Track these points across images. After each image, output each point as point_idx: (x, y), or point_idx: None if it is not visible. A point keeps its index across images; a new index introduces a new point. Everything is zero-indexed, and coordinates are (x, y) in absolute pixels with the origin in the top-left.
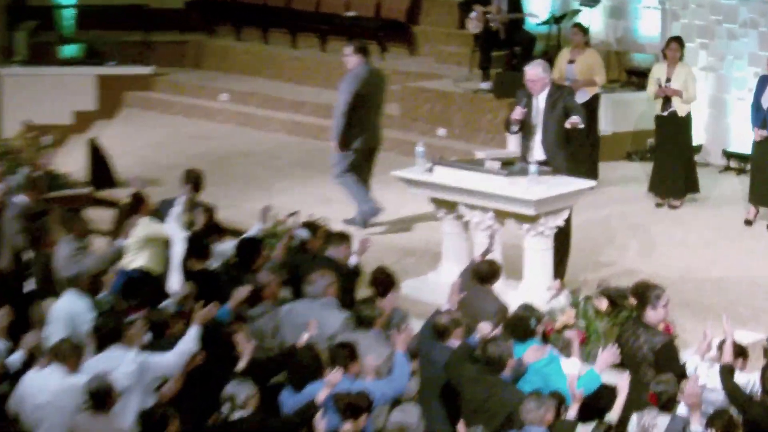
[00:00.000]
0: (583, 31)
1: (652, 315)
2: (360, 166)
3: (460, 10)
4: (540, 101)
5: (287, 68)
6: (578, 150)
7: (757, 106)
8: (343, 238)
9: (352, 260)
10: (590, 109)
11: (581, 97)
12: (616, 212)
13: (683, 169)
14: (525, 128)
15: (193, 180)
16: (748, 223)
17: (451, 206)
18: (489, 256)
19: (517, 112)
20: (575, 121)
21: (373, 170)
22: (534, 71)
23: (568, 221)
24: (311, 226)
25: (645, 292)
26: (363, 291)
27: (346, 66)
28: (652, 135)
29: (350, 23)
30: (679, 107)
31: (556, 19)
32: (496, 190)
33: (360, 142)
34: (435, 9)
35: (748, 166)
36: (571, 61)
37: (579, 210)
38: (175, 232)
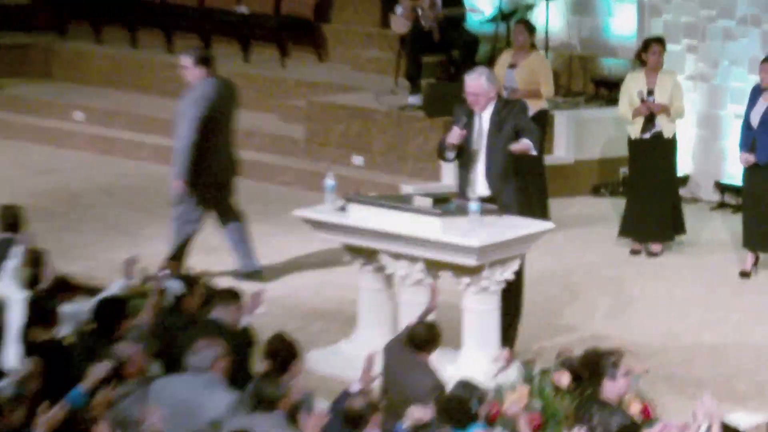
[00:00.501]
0: (529, 29)
1: (610, 388)
2: (220, 206)
3: (382, 5)
4: (484, 120)
5: (161, 79)
6: (531, 183)
7: (747, 124)
8: (232, 296)
9: (242, 321)
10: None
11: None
12: (581, 261)
13: (666, 206)
14: (464, 155)
15: (10, 220)
16: (745, 275)
17: (369, 255)
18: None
19: (455, 135)
20: (525, 146)
21: (233, 208)
22: (476, 82)
23: (519, 274)
24: (187, 278)
25: (599, 361)
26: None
27: (185, 80)
28: (625, 163)
29: (241, 21)
30: (665, 127)
31: (505, 16)
32: (428, 235)
33: (213, 175)
34: (351, 3)
35: None
36: (512, 66)
37: (533, 259)
38: (11, 292)
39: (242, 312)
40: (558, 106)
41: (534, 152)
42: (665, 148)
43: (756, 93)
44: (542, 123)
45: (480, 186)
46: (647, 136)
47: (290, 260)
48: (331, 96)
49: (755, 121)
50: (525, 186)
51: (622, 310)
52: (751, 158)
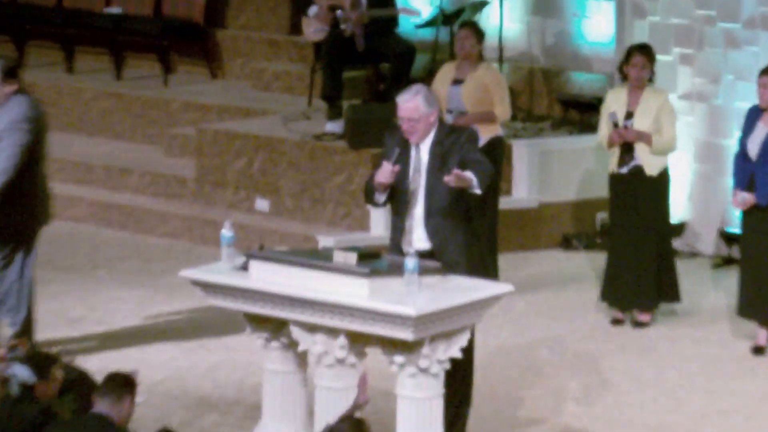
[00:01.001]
0: (477, 35)
1: None
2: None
3: (291, 5)
4: (422, 153)
5: None
6: (481, 231)
7: (742, 154)
8: (127, 386)
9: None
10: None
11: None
12: (548, 334)
13: (655, 263)
14: (398, 198)
15: None
16: (759, 350)
17: (277, 327)
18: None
19: (385, 172)
20: (463, 177)
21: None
22: (411, 104)
23: (468, 351)
24: (39, 359)
25: None
26: None
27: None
28: (604, 207)
29: (112, 27)
30: (647, 161)
31: (447, 18)
32: (352, 301)
33: (34, 219)
34: (251, 3)
35: None
36: (457, 81)
37: (487, 331)
38: None
39: (133, 407)
40: (517, 133)
41: (477, 190)
42: (650, 187)
43: (754, 115)
44: (496, 154)
45: (418, 237)
46: (624, 170)
47: (175, 333)
48: (227, 122)
49: (753, 151)
50: (477, 237)
51: (600, 397)
52: (749, 199)
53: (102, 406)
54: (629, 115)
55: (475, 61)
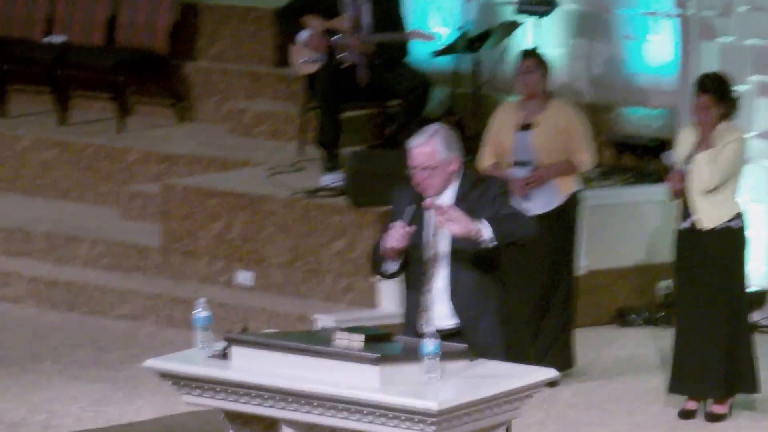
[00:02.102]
0: (543, 66)
1: None
2: None
3: (279, 29)
4: None
5: None
6: (547, 312)
7: None
8: None
9: None
10: (567, 225)
11: (548, 201)
12: (602, 430)
13: (725, 342)
14: (413, 267)
15: None
16: None
17: (266, 428)
18: None
19: (397, 235)
20: (476, 232)
21: None
22: (427, 148)
23: None
24: None
25: None
26: None
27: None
28: (667, 274)
29: (54, 59)
30: (703, 213)
31: (472, 42)
32: (359, 394)
33: None
34: (227, 28)
35: None
36: (526, 127)
37: (526, 429)
38: None
39: None
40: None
41: (489, 244)
42: (716, 247)
43: None
44: (576, 216)
45: (440, 314)
46: (685, 226)
47: None
48: (199, 176)
49: None
50: (512, 313)
51: None
52: None
53: None
54: (689, 158)
55: (543, 99)
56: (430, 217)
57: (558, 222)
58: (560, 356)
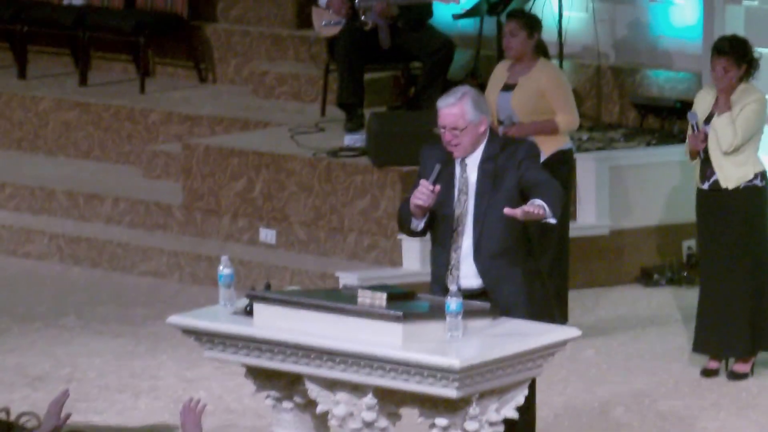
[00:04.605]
0: (529, 26)
1: None
2: None
3: None
4: (469, 171)
5: None
6: (548, 267)
7: None
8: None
9: None
10: None
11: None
12: (625, 390)
13: (749, 299)
14: (440, 225)
15: None
16: None
17: (290, 384)
18: None
19: (424, 193)
20: (535, 210)
21: None
22: (456, 109)
23: (527, 411)
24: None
25: None
26: None
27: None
28: (691, 233)
29: (74, 21)
30: (723, 173)
31: (493, 5)
32: (382, 351)
33: None
34: None
35: None
36: (508, 87)
37: (550, 387)
38: None
39: None
40: (581, 145)
41: (552, 220)
42: (736, 206)
43: None
44: (562, 172)
45: (466, 274)
46: (706, 186)
47: (162, 394)
48: (220, 136)
49: None
50: (539, 272)
51: None
52: None
53: None
54: (708, 119)
55: (529, 60)
56: (457, 177)
57: None
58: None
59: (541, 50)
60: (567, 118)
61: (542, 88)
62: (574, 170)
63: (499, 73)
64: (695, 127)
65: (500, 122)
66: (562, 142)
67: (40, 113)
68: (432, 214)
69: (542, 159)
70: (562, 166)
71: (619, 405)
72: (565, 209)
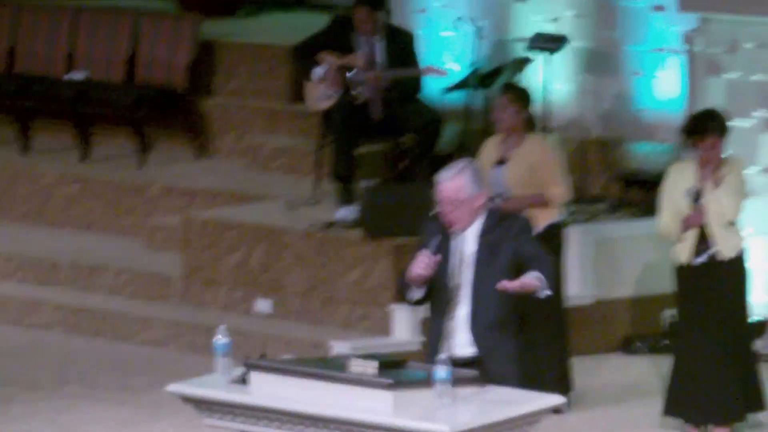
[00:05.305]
0: (521, 100)
1: None
2: None
3: (293, 66)
4: (467, 243)
5: None
6: (542, 338)
7: None
8: None
9: None
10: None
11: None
12: None
13: (733, 368)
14: (438, 295)
15: None
16: None
17: None
18: None
19: (423, 263)
20: (529, 284)
21: None
22: (455, 183)
23: None
24: None
25: None
26: None
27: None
28: (670, 304)
29: (75, 95)
30: (724, 243)
31: (484, 78)
32: (373, 418)
33: None
34: (244, 65)
35: None
36: (501, 161)
37: None
38: None
39: None
40: (568, 218)
41: (548, 292)
42: (728, 277)
43: None
44: (555, 245)
45: (461, 342)
46: (702, 260)
47: None
48: (218, 209)
49: None
50: (531, 344)
51: None
52: None
53: None
54: (697, 196)
55: (520, 134)
56: (456, 248)
57: None
58: (558, 383)
59: (529, 124)
60: (559, 190)
61: (535, 161)
62: (564, 242)
63: (491, 148)
64: (697, 202)
65: (493, 197)
66: (554, 215)
67: (43, 187)
68: (431, 285)
69: (536, 232)
70: (554, 238)
71: None
72: (560, 281)
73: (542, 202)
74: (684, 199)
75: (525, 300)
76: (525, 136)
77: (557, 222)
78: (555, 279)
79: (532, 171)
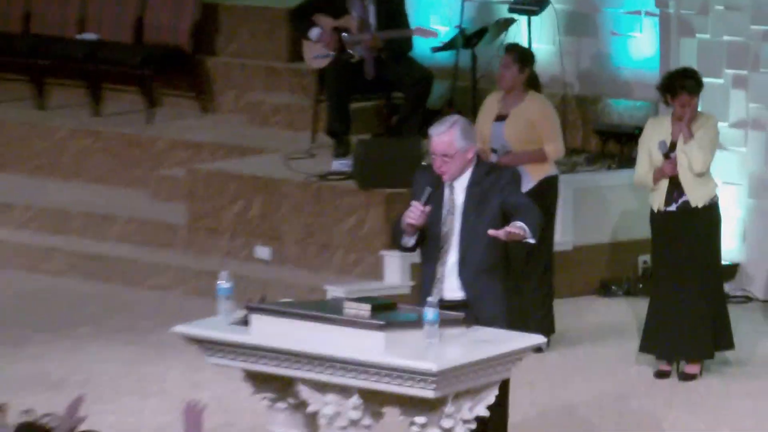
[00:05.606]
0: (522, 59)
1: None
2: None
3: (291, 27)
4: (457, 193)
5: None
6: (531, 283)
7: None
8: None
9: None
10: (541, 206)
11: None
12: (586, 389)
13: (704, 309)
14: (429, 242)
15: None
16: None
17: (283, 386)
18: None
19: (415, 213)
20: (517, 231)
21: None
22: (446, 137)
23: (501, 410)
24: (28, 428)
25: None
26: None
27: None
28: (646, 249)
29: (87, 55)
30: (694, 193)
31: (469, 39)
32: (366, 356)
33: None
34: (245, 26)
35: None
36: (500, 117)
37: (518, 388)
38: None
39: None
40: None
41: (532, 240)
42: (699, 224)
43: None
44: (549, 197)
45: (451, 287)
46: (673, 208)
47: (168, 396)
48: (221, 162)
49: None
50: (517, 289)
51: None
52: None
53: None
54: (672, 148)
55: (521, 92)
56: (446, 198)
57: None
58: (541, 323)
59: (532, 83)
60: (555, 147)
61: (533, 119)
62: (557, 194)
63: (491, 104)
64: (668, 155)
65: (493, 150)
66: (549, 170)
67: (57, 141)
68: (422, 232)
69: (532, 185)
70: (549, 191)
71: (581, 404)
72: (550, 229)
73: (540, 157)
74: (657, 151)
75: (517, 247)
76: (525, 94)
77: (552, 175)
78: (549, 228)
79: (531, 127)
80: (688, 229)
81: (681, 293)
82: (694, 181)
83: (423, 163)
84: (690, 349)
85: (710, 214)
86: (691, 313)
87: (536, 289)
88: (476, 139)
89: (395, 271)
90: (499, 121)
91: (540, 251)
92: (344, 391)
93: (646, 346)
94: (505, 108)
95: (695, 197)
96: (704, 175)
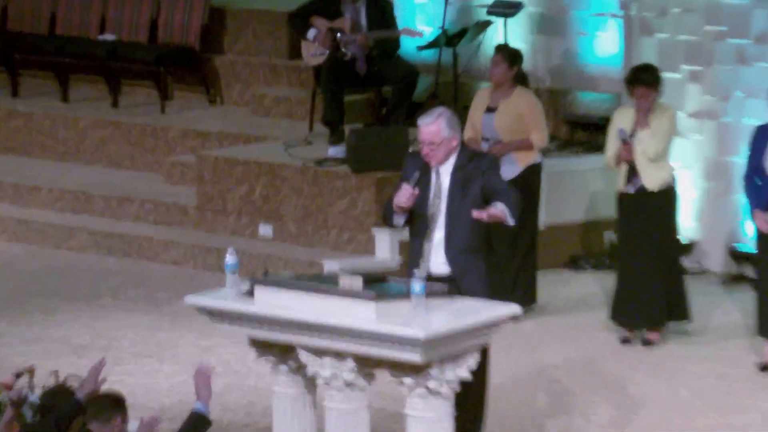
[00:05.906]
0: (510, 59)
1: None
2: None
3: (289, 28)
4: (443, 177)
5: (8, 131)
6: (516, 260)
7: (756, 171)
8: (114, 406)
9: None
10: (527, 189)
11: (509, 170)
12: (558, 353)
13: (663, 281)
14: (417, 221)
15: None
16: (766, 368)
17: (284, 351)
18: None
19: (405, 195)
20: (496, 213)
21: None
22: (433, 127)
23: (481, 372)
24: (53, 392)
25: None
26: None
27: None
28: (612, 227)
29: (107, 54)
30: (647, 177)
31: (450, 39)
32: (359, 324)
33: None
34: (249, 27)
35: None
36: (491, 109)
37: (496, 353)
38: None
39: (126, 427)
40: None
41: (511, 221)
42: (657, 205)
43: (763, 134)
44: (534, 182)
45: (437, 262)
46: (631, 190)
47: (181, 359)
48: (227, 149)
49: None
50: (498, 265)
51: (611, 416)
52: None
53: (93, 428)
54: (632, 135)
55: (509, 87)
56: (433, 182)
57: (519, 188)
58: (524, 295)
59: (519, 79)
60: (540, 136)
61: (521, 111)
62: (540, 179)
63: (483, 97)
64: (626, 141)
65: (485, 139)
66: (535, 157)
67: (79, 130)
68: (411, 212)
69: (518, 171)
70: (534, 176)
71: (553, 367)
72: (534, 211)
73: (526, 146)
74: (617, 139)
75: (502, 228)
76: (514, 89)
77: (537, 162)
78: (533, 209)
79: (519, 119)
80: (645, 209)
81: (640, 268)
82: (648, 166)
83: (411, 150)
84: (644, 317)
85: (665, 196)
86: (648, 286)
87: (521, 266)
88: (460, 128)
89: (385, 248)
90: (490, 112)
91: (525, 229)
92: (340, 355)
93: (614, 315)
94: (494, 101)
95: (650, 181)
96: (659, 160)
